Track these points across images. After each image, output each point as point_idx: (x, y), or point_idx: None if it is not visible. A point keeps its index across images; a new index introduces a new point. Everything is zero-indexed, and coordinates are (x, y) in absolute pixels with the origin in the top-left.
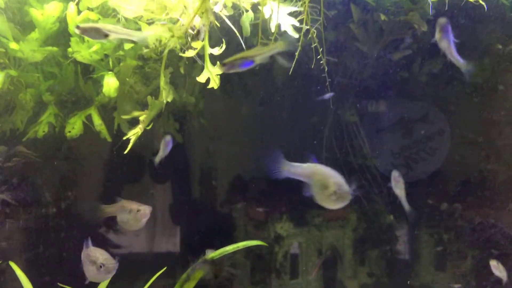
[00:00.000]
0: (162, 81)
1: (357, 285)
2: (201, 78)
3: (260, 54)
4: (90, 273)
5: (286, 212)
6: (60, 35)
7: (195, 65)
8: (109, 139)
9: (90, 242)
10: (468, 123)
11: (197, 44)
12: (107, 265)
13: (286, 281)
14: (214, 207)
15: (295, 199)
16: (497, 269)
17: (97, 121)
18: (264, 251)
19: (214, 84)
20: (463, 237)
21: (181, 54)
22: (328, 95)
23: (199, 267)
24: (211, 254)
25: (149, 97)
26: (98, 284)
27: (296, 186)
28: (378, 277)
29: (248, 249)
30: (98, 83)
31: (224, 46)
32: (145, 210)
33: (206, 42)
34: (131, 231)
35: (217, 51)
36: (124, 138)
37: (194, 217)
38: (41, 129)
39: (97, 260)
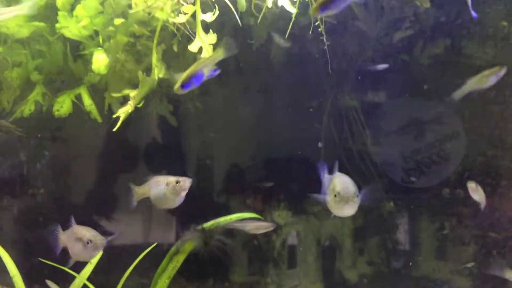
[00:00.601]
0: (154, 58)
1: (356, 274)
2: (193, 47)
3: (205, 65)
4: (76, 251)
5: (284, 201)
6: (49, 10)
7: (189, 43)
8: (99, 120)
9: (73, 220)
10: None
11: (188, 9)
12: (95, 240)
13: (283, 271)
14: (210, 195)
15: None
16: (475, 192)
17: (87, 101)
18: (262, 241)
19: (207, 53)
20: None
21: (171, 20)
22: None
23: (189, 237)
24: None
25: (140, 73)
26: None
27: (296, 174)
28: (378, 266)
29: (246, 239)
30: (88, 62)
31: (217, 12)
32: (185, 182)
33: (198, 6)
34: (167, 208)
35: (209, 17)
36: (114, 116)
37: (190, 204)
38: (27, 107)
39: (83, 237)
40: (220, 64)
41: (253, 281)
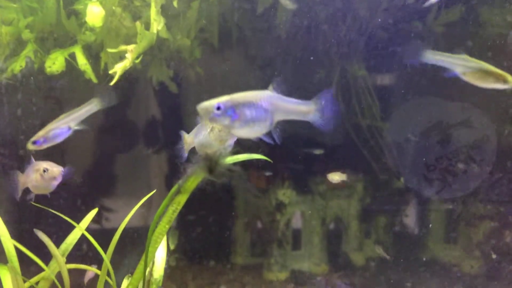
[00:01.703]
0: (153, 12)
1: (362, 257)
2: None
3: (74, 118)
4: (34, 182)
5: (288, 179)
6: None
7: (192, 3)
8: (94, 80)
9: (32, 159)
10: None
11: None
12: (51, 169)
13: (288, 252)
14: None
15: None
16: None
17: (82, 60)
18: (265, 220)
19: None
20: None
21: None
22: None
23: (192, 170)
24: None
25: (138, 24)
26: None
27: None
28: (386, 247)
29: (249, 220)
30: (83, 18)
31: None
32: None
33: None
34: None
35: None
36: (111, 71)
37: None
38: (18, 63)
39: (40, 167)
40: (223, 34)
41: (256, 263)
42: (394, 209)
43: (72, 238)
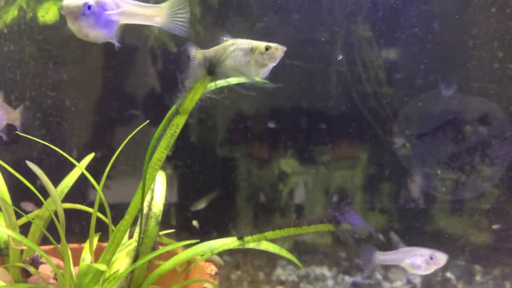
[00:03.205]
0: None
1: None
2: None
3: None
4: None
5: (291, 148)
6: None
7: None
8: None
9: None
10: None
11: None
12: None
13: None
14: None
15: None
16: None
17: None
18: (268, 191)
19: None
20: None
21: None
22: None
23: (191, 73)
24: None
25: None
26: None
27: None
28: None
29: (252, 192)
30: None
31: None
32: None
33: None
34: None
35: None
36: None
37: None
38: (11, 12)
39: None
40: None
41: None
42: (400, 178)
43: (68, 180)
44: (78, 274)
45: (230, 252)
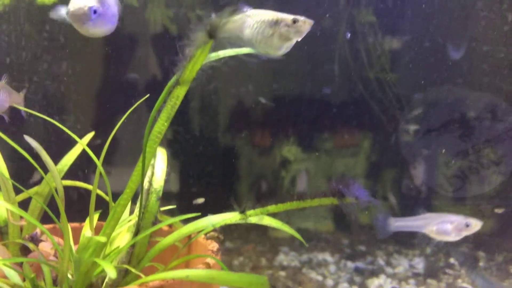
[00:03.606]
0: None
1: (368, 216)
2: None
3: None
4: None
5: (293, 135)
6: None
7: None
8: None
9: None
10: None
11: None
12: None
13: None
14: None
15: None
16: None
17: None
18: (270, 178)
19: None
20: None
21: None
22: None
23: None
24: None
25: None
26: None
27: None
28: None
29: (254, 180)
30: None
31: None
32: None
33: None
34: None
35: None
36: None
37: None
38: None
39: None
40: None
41: None
42: (402, 165)
43: (68, 159)
44: (78, 248)
45: (232, 238)
